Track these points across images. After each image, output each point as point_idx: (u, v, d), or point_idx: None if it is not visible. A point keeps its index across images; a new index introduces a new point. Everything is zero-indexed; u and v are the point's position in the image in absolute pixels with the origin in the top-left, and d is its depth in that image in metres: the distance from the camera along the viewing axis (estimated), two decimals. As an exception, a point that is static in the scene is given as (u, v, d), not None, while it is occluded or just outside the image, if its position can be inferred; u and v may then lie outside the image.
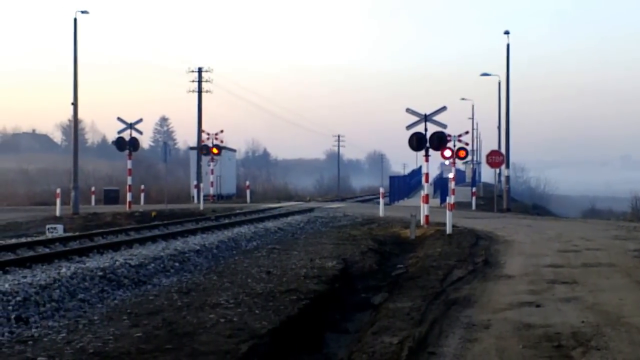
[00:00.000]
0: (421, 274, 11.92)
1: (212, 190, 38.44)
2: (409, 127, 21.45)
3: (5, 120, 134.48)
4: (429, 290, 10.18)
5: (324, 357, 8.50)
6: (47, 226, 20.25)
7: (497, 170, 36.09)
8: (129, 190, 30.69)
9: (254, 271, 12.64)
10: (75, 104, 28.65)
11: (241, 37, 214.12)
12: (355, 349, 7.49)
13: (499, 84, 39.04)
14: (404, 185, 44.35)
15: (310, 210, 27.90)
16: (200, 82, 43.61)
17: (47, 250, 14.44)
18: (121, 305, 9.70)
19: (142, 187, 35.01)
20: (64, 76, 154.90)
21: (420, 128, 21.29)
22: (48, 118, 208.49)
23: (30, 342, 7.57)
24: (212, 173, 38.47)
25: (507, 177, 34.36)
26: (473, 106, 69.82)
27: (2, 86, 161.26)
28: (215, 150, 38.16)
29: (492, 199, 36.35)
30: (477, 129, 66.13)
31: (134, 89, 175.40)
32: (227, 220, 22.11)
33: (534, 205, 51.28)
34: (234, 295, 10.22)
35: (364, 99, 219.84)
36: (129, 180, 30.97)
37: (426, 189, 22.29)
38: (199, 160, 40.77)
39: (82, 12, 28.46)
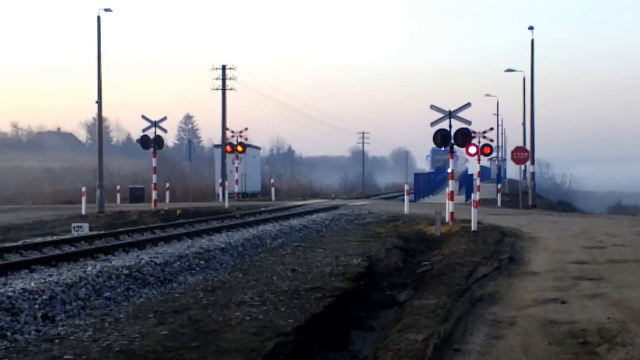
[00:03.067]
0: (446, 271, 11.90)
1: (237, 188, 38.62)
2: (433, 123, 21.37)
3: (31, 118, 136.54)
4: (454, 287, 10.16)
5: (349, 355, 8.53)
6: (73, 224, 20.48)
7: (522, 167, 35.79)
8: (154, 189, 30.93)
9: (279, 269, 12.70)
10: (99, 103, 28.94)
11: (265, 34, 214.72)
12: (380, 346, 7.51)
13: (524, 79, 38.75)
14: (429, 182, 44.17)
15: (335, 207, 27.92)
16: (224, 79, 43.81)
17: (73, 248, 14.62)
18: (147, 304, 9.81)
19: (167, 185, 35.27)
20: (88, 74, 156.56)
21: (444, 124, 21.20)
22: (73, 116, 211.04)
23: (56, 341, 7.69)
24: (237, 171, 38.65)
25: (533, 174, 34.09)
26: (498, 102, 69.37)
27: (27, 85, 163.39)
28: (239, 148, 38.29)
29: (517, 196, 36.10)
30: (502, 125, 65.64)
31: (158, 87, 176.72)
32: (252, 218, 22.21)
33: (559, 202, 50.82)
34: (259, 293, 10.29)
35: (388, 95, 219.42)
36: (154, 178, 31.21)
37: (451, 185, 22.20)
38: (223, 158, 40.97)
39: (106, 10, 28.71)
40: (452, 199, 21.67)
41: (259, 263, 13.66)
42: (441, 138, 21.20)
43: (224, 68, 44.13)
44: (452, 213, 21.18)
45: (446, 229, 19.54)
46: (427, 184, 42.77)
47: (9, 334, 7.89)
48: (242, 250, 15.28)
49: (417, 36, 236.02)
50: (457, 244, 15.80)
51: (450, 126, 21.11)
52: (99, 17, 28.70)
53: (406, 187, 27.90)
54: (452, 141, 21.15)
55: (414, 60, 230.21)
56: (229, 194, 33.56)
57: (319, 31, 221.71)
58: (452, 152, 21.69)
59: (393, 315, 10.01)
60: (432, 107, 21.48)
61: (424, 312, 8.60)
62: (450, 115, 21.11)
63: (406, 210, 25.31)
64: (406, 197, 26.71)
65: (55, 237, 17.52)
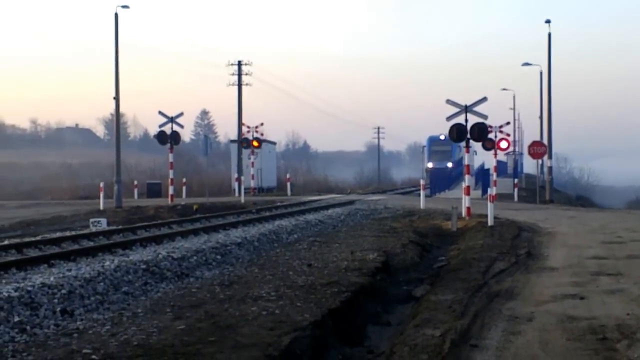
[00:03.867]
0: (463, 266, 11.84)
1: (252, 183, 38.69)
2: (449, 118, 21.28)
3: (49, 115, 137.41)
4: (470, 282, 10.10)
5: (365, 350, 8.50)
6: (91, 220, 20.59)
7: (540, 161, 35.58)
8: (171, 184, 31.05)
9: (295, 264, 12.70)
10: (117, 98, 29.07)
11: (280, 29, 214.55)
12: (397, 342, 7.48)
13: (541, 73, 38.46)
14: (445, 177, 44.01)
15: (351, 202, 27.89)
16: (240, 75, 43.87)
17: (91, 243, 14.71)
18: (164, 298, 9.84)
19: (184, 180, 35.40)
20: (106, 71, 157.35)
21: (460, 119, 21.10)
22: (91, 112, 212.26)
23: (75, 335, 7.74)
24: (253, 166, 38.70)
25: (550, 168, 33.85)
26: (514, 96, 69.16)
27: (46, 81, 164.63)
28: (255, 143, 38.36)
29: (534, 191, 35.89)
30: (518, 120, 65.24)
31: (175, 83, 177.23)
32: (268, 213, 22.24)
33: (577, 197, 50.51)
34: (276, 287, 10.29)
35: (404, 90, 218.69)
36: (171, 173, 31.34)
37: (467, 180, 22.10)
38: (239, 153, 41.05)
39: (123, 7, 28.81)
40: (468, 193, 21.57)
41: (275, 258, 13.67)
42: (457, 133, 21.10)
43: (239, 64, 44.19)
44: (468, 208, 21.08)
45: (462, 224, 19.45)
46: (443, 179, 42.63)
47: (28, 328, 7.96)
48: (258, 245, 15.30)
49: (432, 30, 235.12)
50: (474, 239, 15.72)
51: (466, 121, 21.01)
52: (116, 14, 28.84)
53: (422, 182, 27.81)
54: (468, 136, 21.04)
55: (430, 55, 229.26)
56: (245, 188, 33.62)
57: (334, 26, 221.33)
58: (467, 146, 21.57)
59: (409, 310, 9.98)
60: (447, 101, 21.38)
61: (441, 308, 8.56)
62: (466, 109, 21.00)
63: (422, 205, 25.23)
64: (422, 192, 26.63)
65: (73, 232, 17.63)
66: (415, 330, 7.56)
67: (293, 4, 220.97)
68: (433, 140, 55.94)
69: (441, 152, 54.55)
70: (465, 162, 22.47)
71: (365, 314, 10.07)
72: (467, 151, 21.92)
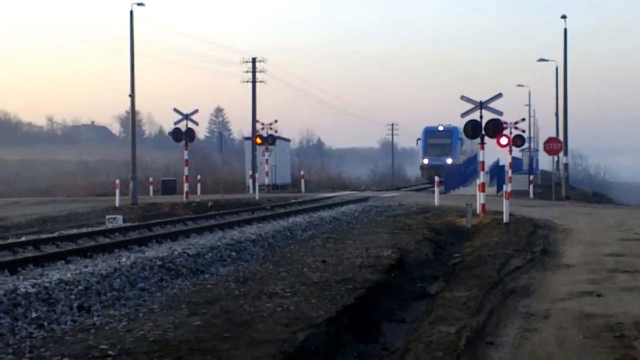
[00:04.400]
0: (478, 263, 11.80)
1: (267, 180, 38.76)
2: (463, 114, 21.19)
3: (65, 112, 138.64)
4: (486, 279, 10.07)
5: (380, 347, 8.49)
6: (107, 216, 20.71)
7: (555, 158, 35.37)
8: (186, 181, 31.17)
9: (309, 260, 12.71)
10: (132, 96, 29.19)
11: (295, 26, 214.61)
12: (412, 339, 7.47)
13: (557, 69, 38.21)
14: (460, 174, 43.84)
15: (365, 199, 27.86)
16: (254, 72, 43.90)
17: (108, 240, 14.79)
18: (180, 294, 9.88)
19: (199, 177, 35.52)
20: (121, 68, 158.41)
21: (475, 115, 21.01)
22: (106, 110, 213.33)
23: (92, 331, 7.78)
24: (267, 163, 38.78)
25: (566, 165, 33.63)
26: (529, 92, 68.61)
27: (62, 79, 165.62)
28: (269, 141, 38.44)
29: (550, 187, 35.68)
30: (534, 116, 64.82)
31: (189, 80, 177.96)
32: (282, 210, 22.27)
33: (593, 193, 50.11)
34: (290, 284, 10.30)
35: (418, 86, 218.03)
36: (186, 170, 31.44)
37: (482, 177, 22.01)
38: (253, 150, 41.12)
39: (138, 4, 28.89)
40: (483, 190, 21.48)
41: (290, 254, 13.68)
42: (472, 129, 21.01)
43: (254, 61, 44.22)
44: (483, 205, 20.99)
45: (477, 220, 19.38)
46: (457, 176, 42.47)
47: (45, 323, 8.02)
48: (272, 241, 15.32)
49: (447, 27, 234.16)
50: (489, 236, 15.66)
51: (481, 117, 20.92)
52: (131, 12, 28.94)
53: (437, 179, 27.71)
54: (483, 132, 20.94)
55: (445, 51, 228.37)
56: (259, 185, 33.69)
57: (349, 22, 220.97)
58: (482, 143, 21.47)
59: (424, 307, 9.95)
60: (462, 97, 21.29)
61: (456, 305, 8.54)
62: (481, 106, 20.91)
63: (436, 202, 25.15)
64: (436, 189, 26.55)
65: (90, 229, 17.74)
66: (430, 327, 7.54)
67: (306, 0, 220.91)
68: (430, 132, 49.38)
69: (439, 146, 48.33)
70: (480, 158, 22.36)
71: (379, 310, 10.05)
72: (482, 147, 21.81)
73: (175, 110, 30.55)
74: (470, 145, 53.72)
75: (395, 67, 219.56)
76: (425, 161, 48.97)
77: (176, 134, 30.63)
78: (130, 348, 6.94)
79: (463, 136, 48.02)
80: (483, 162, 22.23)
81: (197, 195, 32.66)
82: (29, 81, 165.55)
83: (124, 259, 11.50)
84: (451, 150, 48.46)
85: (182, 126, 30.42)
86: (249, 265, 12.59)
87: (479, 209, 20.93)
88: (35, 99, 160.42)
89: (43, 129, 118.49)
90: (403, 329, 9.11)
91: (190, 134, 30.71)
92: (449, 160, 46.83)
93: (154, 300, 9.52)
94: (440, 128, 49.18)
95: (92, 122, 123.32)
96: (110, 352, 6.79)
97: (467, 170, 46.80)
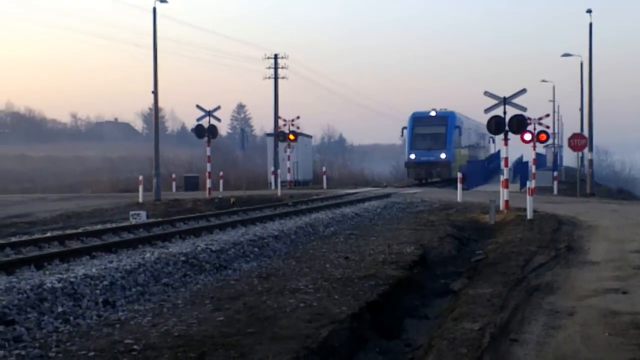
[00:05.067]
0: (501, 260, 11.73)
1: (289, 177, 38.82)
2: (487, 110, 21.06)
3: (89, 109, 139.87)
4: (509, 276, 10.01)
5: (403, 343, 8.49)
6: (131, 212, 20.86)
7: (580, 154, 34.99)
8: (209, 177, 31.31)
9: (332, 257, 12.72)
10: (155, 93, 29.37)
11: (316, 22, 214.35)
12: (435, 335, 7.46)
13: (581, 64, 37.83)
14: (482, 170, 43.54)
15: (387, 195, 27.80)
16: (276, 68, 43.98)
17: (132, 235, 14.92)
18: (203, 290, 9.95)
19: (221, 173, 35.65)
20: (144, 65, 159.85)
21: (499, 111, 20.87)
22: (129, 106, 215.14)
23: (117, 325, 7.87)
24: (289, 159, 38.83)
25: (591, 161, 33.31)
26: (554, 88, 67.84)
27: (86, 76, 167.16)
28: (291, 137, 38.49)
29: (574, 184, 35.33)
30: (558, 112, 64.20)
31: (211, 76, 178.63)
32: (304, 206, 22.29)
33: (619, 190, 49.57)
34: (313, 280, 10.33)
35: (441, 82, 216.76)
36: (208, 167, 31.58)
37: (505, 173, 21.87)
38: (275, 146, 41.20)
39: (161, 1, 29.04)
40: (506, 186, 21.34)
41: (312, 251, 13.71)
42: (495, 125, 20.88)
43: (275, 57, 44.29)
44: (506, 201, 20.85)
45: (500, 217, 19.26)
46: (480, 172, 42.20)
47: (71, 318, 8.12)
48: (295, 238, 15.36)
49: (470, 22, 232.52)
50: (512, 232, 15.56)
51: (504, 113, 20.78)
52: (154, 9, 29.07)
53: (459, 175, 27.57)
54: (507, 128, 20.80)
55: (467, 45, 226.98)
56: (281, 182, 33.75)
57: (370, 18, 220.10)
58: (506, 139, 21.32)
59: (447, 304, 9.93)
60: (485, 93, 21.16)
61: (479, 301, 8.50)
62: (505, 101, 20.76)
63: (459, 198, 25.03)
64: (459, 185, 26.41)
65: (114, 225, 17.90)
66: (453, 324, 7.52)
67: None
68: (418, 118, 39.70)
69: (430, 137, 39.07)
70: (504, 154, 22.20)
71: (402, 307, 10.05)
72: (506, 143, 21.65)
73: (198, 106, 30.70)
74: (473, 136, 47.19)
75: (418, 63, 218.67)
76: (412, 156, 39.25)
77: (199, 131, 30.77)
78: (155, 343, 7.01)
79: (462, 124, 42.44)
80: (507, 158, 22.09)
81: (219, 191, 32.79)
82: (53, 78, 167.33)
83: (148, 255, 11.59)
84: (446, 141, 39.15)
85: (205, 122, 30.53)
86: (272, 261, 12.64)
87: (502, 206, 20.80)
88: (59, 96, 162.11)
89: (67, 125, 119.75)
90: (426, 326, 9.10)
91: (212, 131, 30.83)
92: (443, 155, 38.82)
93: (178, 295, 9.59)
94: (432, 113, 39.92)
95: (116, 119, 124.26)
96: (135, 347, 6.87)
97: (490, 167, 46.45)
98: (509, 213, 19.85)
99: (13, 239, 14.51)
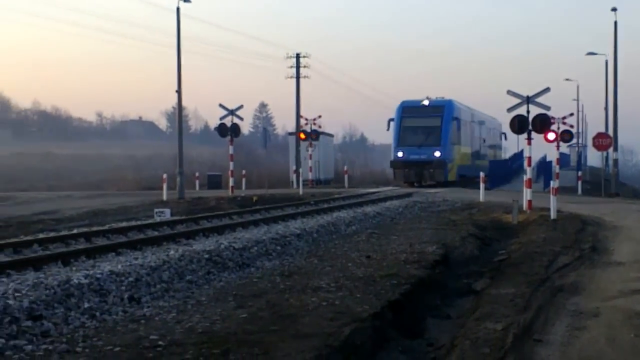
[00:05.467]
0: (524, 260, 11.65)
1: (310, 175, 38.86)
2: (510, 109, 20.91)
3: (114, 108, 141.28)
4: (533, 276, 9.94)
5: (425, 343, 8.47)
6: (155, 210, 20.99)
7: (604, 154, 34.65)
8: (231, 176, 31.45)
9: (353, 255, 12.72)
10: (179, 92, 29.56)
11: (337, 21, 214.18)
12: (458, 335, 7.44)
13: (606, 62, 37.39)
14: (505, 170, 43.26)
15: (409, 195, 27.73)
16: (298, 68, 44.05)
17: (156, 233, 15.03)
18: (227, 287, 10.00)
19: (244, 172, 35.80)
20: (168, 64, 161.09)
21: (522, 110, 20.72)
22: (154, 105, 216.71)
23: (142, 321, 7.94)
24: (311, 158, 38.86)
25: (615, 161, 32.95)
26: (578, 87, 67.32)
27: (110, 75, 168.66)
28: (313, 136, 38.53)
29: (598, 184, 34.98)
30: (582, 111, 63.61)
31: (234, 75, 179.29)
32: (326, 205, 22.30)
33: (644, 190, 48.97)
34: (335, 279, 10.33)
35: (463, 81, 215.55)
36: (231, 165, 31.72)
37: (528, 172, 21.71)
38: (297, 145, 41.27)
39: (185, 1, 29.23)
40: (529, 186, 21.18)
41: (334, 249, 13.71)
42: (518, 124, 20.73)
43: (297, 56, 44.36)
44: (529, 201, 20.70)
45: (523, 217, 19.12)
46: (503, 172, 41.92)
47: (97, 314, 8.21)
48: (317, 236, 15.38)
49: (492, 19, 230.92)
50: (536, 232, 15.45)
51: (527, 112, 20.62)
52: (178, 9, 29.29)
53: (482, 175, 27.42)
54: (530, 127, 20.65)
55: (491, 45, 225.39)
56: (302, 180, 33.79)
57: (392, 17, 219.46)
58: (529, 138, 21.15)
59: (470, 304, 9.88)
60: (509, 92, 21.02)
61: (502, 301, 8.46)
62: (528, 100, 20.61)
63: (481, 197, 24.90)
64: (482, 185, 26.27)
65: (139, 222, 18.04)
66: (476, 324, 7.49)
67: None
68: (408, 108, 33.68)
69: (422, 131, 33.07)
70: (527, 153, 22.03)
71: (424, 306, 10.01)
72: (529, 143, 21.48)
73: (221, 105, 30.85)
74: (478, 131, 41.18)
75: (440, 62, 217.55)
76: (399, 154, 33.04)
77: (222, 129, 30.92)
78: (180, 339, 7.06)
79: (462, 116, 35.93)
80: (530, 157, 21.91)
81: (242, 190, 32.92)
82: (79, 77, 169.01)
83: (172, 252, 11.67)
84: (441, 136, 33.11)
85: (228, 121, 30.67)
86: (294, 259, 12.67)
87: (525, 206, 20.64)
88: (85, 95, 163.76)
89: (93, 124, 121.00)
90: (448, 325, 9.06)
91: (235, 129, 30.96)
92: (437, 153, 32.94)
93: (202, 292, 9.65)
94: (425, 102, 33.76)
95: (140, 118, 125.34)
96: (160, 343, 6.92)
97: (513, 167, 46.10)
98: (532, 213, 19.70)
99: (40, 236, 14.70)
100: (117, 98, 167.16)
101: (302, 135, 38.61)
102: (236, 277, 10.87)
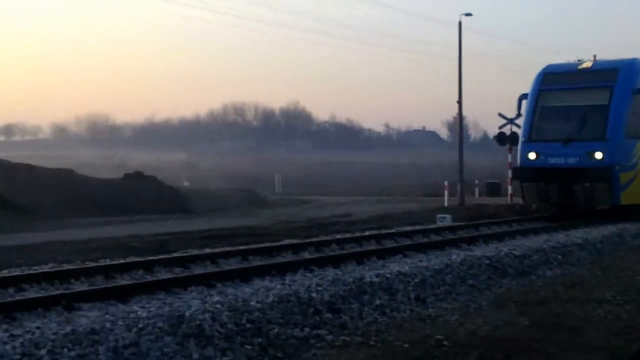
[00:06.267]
0: None
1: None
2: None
3: (400, 119, 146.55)
4: None
5: None
6: (438, 215, 21.14)
7: None
8: (510, 184, 30.48)
9: (641, 268, 11.60)
10: (460, 102, 29.58)
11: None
12: None
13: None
14: None
15: None
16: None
17: (439, 237, 15.14)
18: (507, 294, 9.76)
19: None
20: (450, 76, 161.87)
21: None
22: (436, 116, 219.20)
23: (427, 321, 8.08)
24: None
25: None
26: None
27: (397, 89, 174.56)
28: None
29: None
30: None
31: (513, 85, 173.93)
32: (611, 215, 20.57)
33: None
34: (621, 292, 9.52)
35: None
36: (509, 173, 30.79)
37: None
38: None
39: (466, 14, 29.18)
40: None
41: (620, 261, 12.64)
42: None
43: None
44: None
45: None
46: None
47: (387, 311, 8.54)
48: (600, 247, 14.28)
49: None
50: None
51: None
52: (460, 23, 29.31)
53: None
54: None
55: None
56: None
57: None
58: None
59: None
60: None
61: None
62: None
63: None
64: None
65: (422, 227, 18.34)
66: None
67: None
68: (550, 75, 19.19)
69: (575, 115, 18.40)
70: None
71: None
72: None
73: (500, 115, 30.10)
74: None
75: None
76: (531, 156, 18.43)
77: (500, 138, 30.15)
78: (463, 341, 7.06)
79: None
80: None
81: (519, 198, 31.78)
82: (369, 92, 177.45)
83: (454, 256, 11.68)
84: (608, 123, 17.61)
85: (506, 130, 29.88)
86: (576, 269, 11.94)
87: None
88: (373, 107, 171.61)
89: (381, 134, 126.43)
90: None
91: (514, 138, 29.94)
92: (599, 155, 17.40)
93: (482, 297, 9.54)
94: (584, 65, 19.02)
95: (423, 128, 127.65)
96: (445, 343, 6.99)
97: None
98: None
99: (337, 236, 15.70)
100: (403, 110, 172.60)
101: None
102: (516, 284, 10.55)
